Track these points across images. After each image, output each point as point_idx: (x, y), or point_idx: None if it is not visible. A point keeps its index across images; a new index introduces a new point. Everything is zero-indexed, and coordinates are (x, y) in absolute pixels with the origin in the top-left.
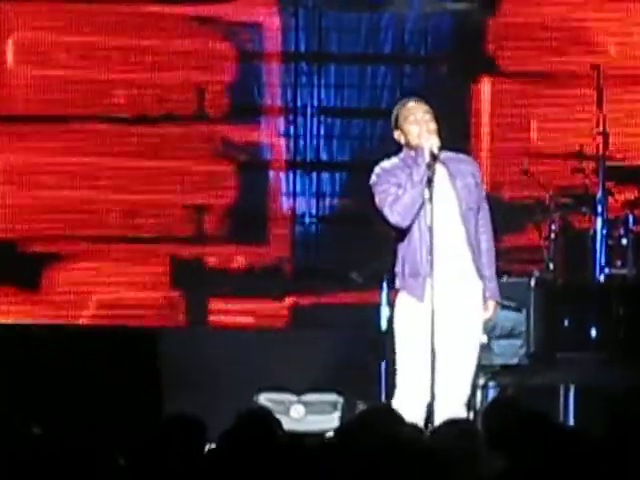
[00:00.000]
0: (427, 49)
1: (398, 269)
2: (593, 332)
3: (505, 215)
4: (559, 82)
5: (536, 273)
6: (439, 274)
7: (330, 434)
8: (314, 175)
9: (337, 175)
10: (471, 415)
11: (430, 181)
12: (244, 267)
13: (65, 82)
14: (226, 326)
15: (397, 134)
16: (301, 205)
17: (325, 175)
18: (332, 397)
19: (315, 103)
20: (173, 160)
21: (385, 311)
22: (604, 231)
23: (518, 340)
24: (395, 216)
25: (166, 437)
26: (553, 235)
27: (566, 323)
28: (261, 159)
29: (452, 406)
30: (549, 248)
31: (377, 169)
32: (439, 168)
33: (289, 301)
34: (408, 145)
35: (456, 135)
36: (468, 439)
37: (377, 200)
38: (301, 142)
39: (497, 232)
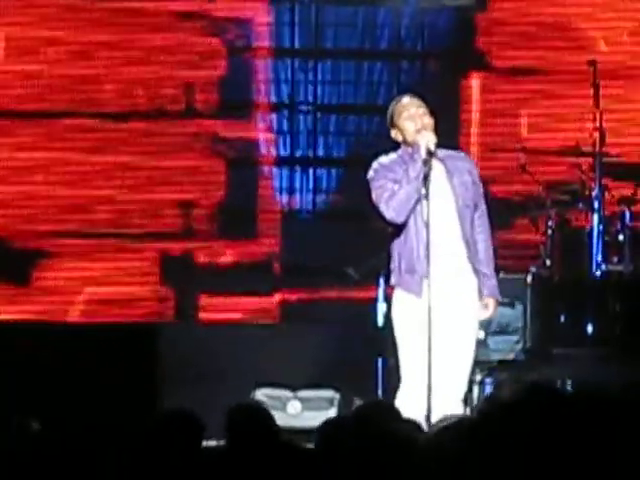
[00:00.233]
0: (424, 45)
1: (394, 265)
2: (589, 328)
3: (497, 211)
4: (551, 78)
5: (532, 269)
6: (435, 270)
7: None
8: (309, 171)
9: (333, 171)
10: (468, 411)
11: (426, 177)
12: (234, 263)
13: (58, 80)
14: (216, 322)
15: (394, 133)
16: (294, 201)
17: (320, 171)
18: (329, 393)
19: (311, 99)
20: (163, 156)
21: (382, 307)
22: (601, 227)
23: (514, 336)
24: (390, 212)
25: (163, 433)
26: (550, 231)
27: (562, 319)
28: (251, 155)
29: (449, 402)
30: (545, 244)
31: (375, 164)
32: (436, 164)
33: (279, 297)
34: (405, 142)
35: (452, 131)
36: (466, 436)
37: (374, 196)
38: (294, 138)
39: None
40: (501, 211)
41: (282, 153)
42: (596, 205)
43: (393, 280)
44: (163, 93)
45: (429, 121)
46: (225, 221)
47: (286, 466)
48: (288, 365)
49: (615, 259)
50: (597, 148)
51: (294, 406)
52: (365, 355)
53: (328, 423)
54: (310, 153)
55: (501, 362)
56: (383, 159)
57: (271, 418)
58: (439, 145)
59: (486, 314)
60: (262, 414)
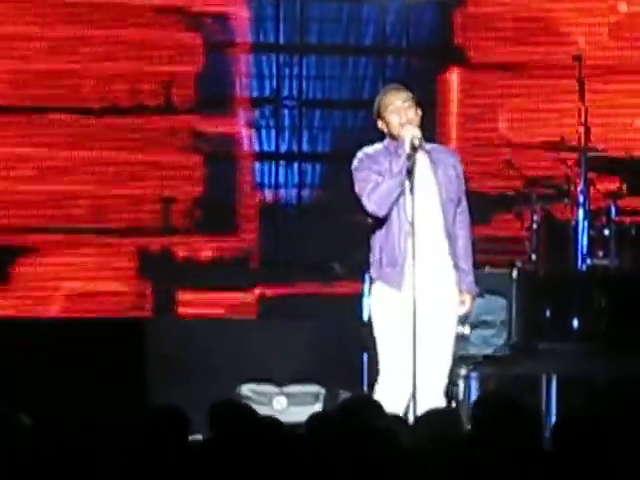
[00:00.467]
0: (409, 40)
1: (374, 258)
2: (575, 323)
3: (480, 205)
4: (531, 73)
5: (518, 264)
6: (418, 263)
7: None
8: (294, 166)
9: (318, 166)
10: (453, 405)
11: (411, 172)
12: (213, 258)
13: (33, 74)
14: (195, 317)
15: (380, 123)
16: (279, 196)
17: (304, 166)
18: (314, 388)
19: (296, 94)
20: (143, 152)
21: (367, 302)
22: (586, 222)
23: (491, 330)
24: (372, 205)
25: (150, 428)
26: (535, 226)
27: (548, 314)
28: (231, 150)
29: (432, 396)
30: (531, 239)
31: (360, 154)
32: (421, 157)
33: (259, 292)
34: (390, 135)
35: (434, 127)
36: (450, 429)
37: (356, 187)
38: (279, 133)
39: (475, 222)
40: (484, 205)
41: (266, 148)
42: (581, 199)
43: (373, 273)
44: (142, 88)
45: (414, 116)
46: (204, 216)
47: (270, 459)
48: (272, 360)
49: (601, 253)
50: (582, 143)
51: (280, 402)
52: (350, 350)
53: (314, 417)
54: (295, 148)
55: (486, 357)
56: (368, 149)
57: (254, 414)
58: (424, 139)
59: (463, 310)
60: (244, 410)
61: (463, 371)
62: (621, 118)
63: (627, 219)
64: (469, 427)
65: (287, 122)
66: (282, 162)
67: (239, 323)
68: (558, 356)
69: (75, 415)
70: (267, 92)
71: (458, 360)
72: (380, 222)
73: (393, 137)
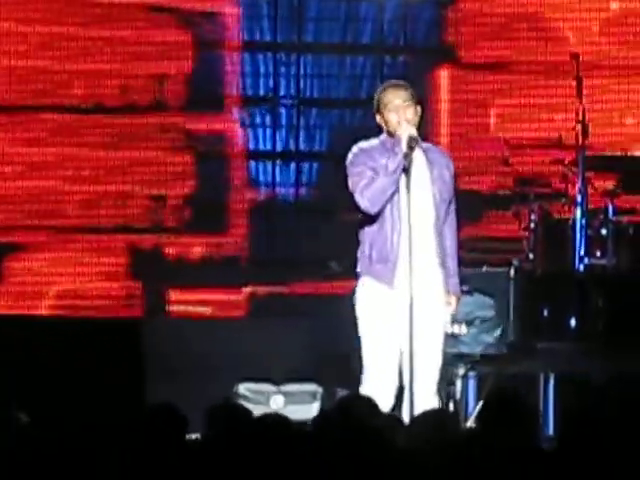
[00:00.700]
0: (406, 38)
1: (363, 253)
2: (572, 322)
3: (473, 204)
4: (523, 70)
5: (515, 263)
6: (409, 261)
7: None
8: (291, 164)
9: (315, 165)
10: (451, 405)
11: (407, 171)
12: (203, 257)
13: (25, 73)
14: (186, 316)
15: (378, 118)
16: (276, 194)
17: (302, 164)
18: (311, 387)
19: (293, 92)
20: (134, 150)
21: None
22: (583, 221)
23: (481, 327)
24: (365, 201)
25: (148, 426)
26: (532, 225)
27: (545, 313)
28: (224, 148)
29: (424, 395)
30: (528, 238)
31: (355, 149)
32: (418, 155)
33: (249, 290)
34: (388, 132)
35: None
36: (447, 428)
37: (350, 182)
38: (276, 131)
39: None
40: (477, 204)
41: (263, 147)
42: (579, 199)
43: (361, 268)
44: (132, 85)
45: (413, 115)
46: (195, 215)
47: (268, 458)
48: (268, 359)
49: (598, 253)
50: (579, 142)
51: (277, 400)
52: (346, 348)
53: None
54: (292, 146)
55: (484, 356)
56: (364, 144)
57: (250, 415)
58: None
59: (449, 310)
60: (240, 411)
61: (461, 370)
62: (607, 113)
63: (624, 218)
64: (466, 426)
65: (284, 120)
66: (279, 161)
67: (234, 322)
68: (555, 355)
69: (71, 415)
70: (264, 90)
71: (454, 359)
72: (371, 218)
73: (390, 134)
